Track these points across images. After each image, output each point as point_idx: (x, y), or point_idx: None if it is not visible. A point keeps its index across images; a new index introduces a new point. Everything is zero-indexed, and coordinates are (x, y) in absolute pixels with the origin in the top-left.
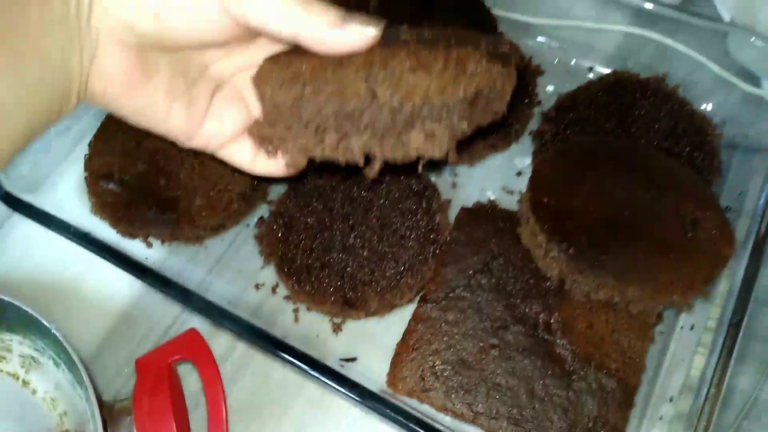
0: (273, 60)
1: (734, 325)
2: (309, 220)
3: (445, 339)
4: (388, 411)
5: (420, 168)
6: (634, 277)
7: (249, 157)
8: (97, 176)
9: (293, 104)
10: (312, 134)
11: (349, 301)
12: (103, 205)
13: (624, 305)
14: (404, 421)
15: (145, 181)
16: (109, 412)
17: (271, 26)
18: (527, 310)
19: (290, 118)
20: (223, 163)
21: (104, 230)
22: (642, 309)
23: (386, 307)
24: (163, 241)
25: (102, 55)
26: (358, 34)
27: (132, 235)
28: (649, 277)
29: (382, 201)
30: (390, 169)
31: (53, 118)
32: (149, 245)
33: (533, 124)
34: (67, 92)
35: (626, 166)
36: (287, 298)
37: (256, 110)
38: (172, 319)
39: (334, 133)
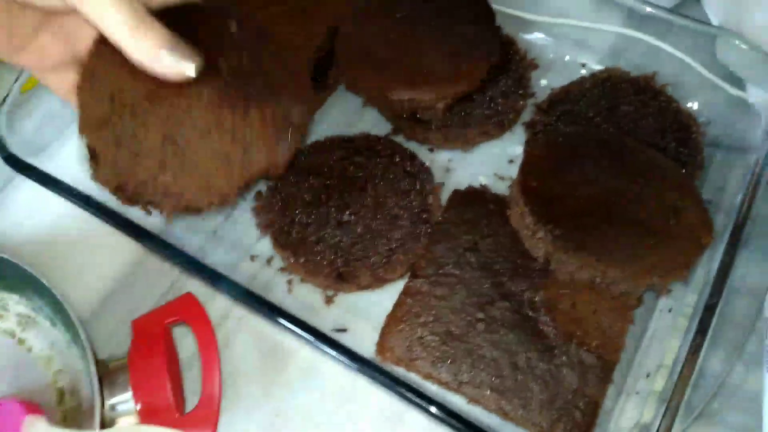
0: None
1: (709, 309)
2: (305, 196)
3: (433, 312)
4: (377, 375)
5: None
6: (616, 258)
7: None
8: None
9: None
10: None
11: (342, 274)
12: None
13: (606, 286)
14: (394, 386)
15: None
16: (104, 370)
17: (100, 28)
18: (513, 288)
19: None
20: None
21: (105, 195)
22: (623, 290)
23: (377, 281)
24: (161, 211)
25: None
26: (174, 67)
27: (131, 202)
28: (631, 259)
29: (377, 181)
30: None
31: None
32: (148, 213)
33: (526, 116)
34: None
35: (613, 155)
36: (282, 270)
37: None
38: (169, 284)
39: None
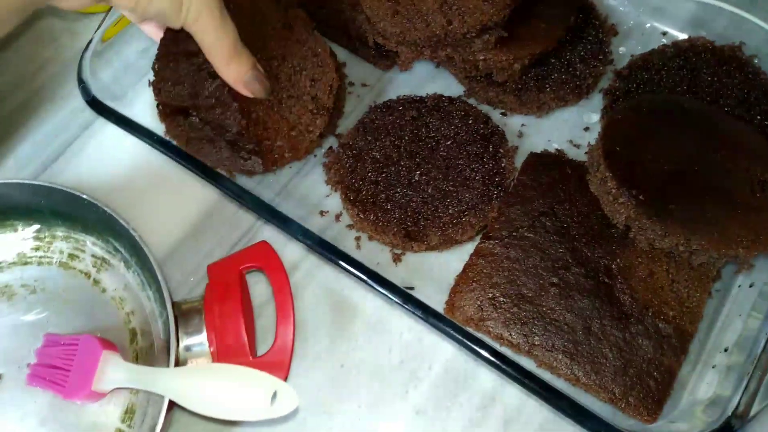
0: None
1: None
2: (376, 154)
3: (505, 274)
4: (450, 330)
5: None
6: (700, 227)
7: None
8: (168, 109)
9: None
10: None
11: (411, 233)
12: (177, 137)
13: (687, 256)
14: (467, 342)
15: (220, 117)
16: (178, 312)
17: (202, 46)
18: (590, 254)
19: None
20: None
21: None
22: (704, 261)
23: (446, 242)
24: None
25: None
26: (250, 88)
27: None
28: (716, 229)
29: (449, 142)
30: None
31: None
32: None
33: (604, 83)
34: None
35: (698, 125)
36: (350, 226)
37: None
38: (240, 234)
39: None
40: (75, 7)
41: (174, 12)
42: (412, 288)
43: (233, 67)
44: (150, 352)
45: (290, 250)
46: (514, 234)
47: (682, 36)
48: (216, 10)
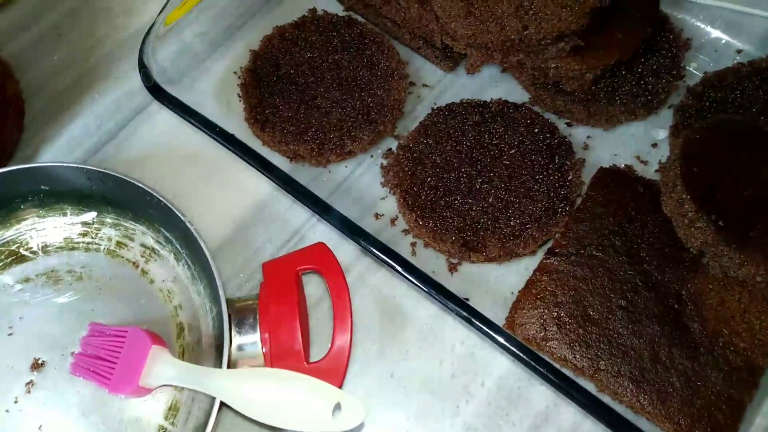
0: None
1: None
2: (437, 158)
3: (571, 293)
4: (512, 346)
5: None
6: None
7: None
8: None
9: None
10: None
11: (469, 243)
12: (255, 115)
13: (763, 286)
14: (528, 359)
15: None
16: (232, 309)
17: None
18: (660, 277)
19: None
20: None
21: (239, 134)
22: None
23: (506, 254)
24: (291, 159)
25: None
26: None
27: (270, 146)
28: None
29: (513, 151)
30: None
31: None
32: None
33: (674, 99)
34: None
35: None
36: (405, 231)
37: None
38: (292, 231)
39: None
40: None
41: None
42: (467, 300)
43: None
44: (197, 348)
45: (342, 251)
46: (581, 252)
47: (758, 54)
48: None
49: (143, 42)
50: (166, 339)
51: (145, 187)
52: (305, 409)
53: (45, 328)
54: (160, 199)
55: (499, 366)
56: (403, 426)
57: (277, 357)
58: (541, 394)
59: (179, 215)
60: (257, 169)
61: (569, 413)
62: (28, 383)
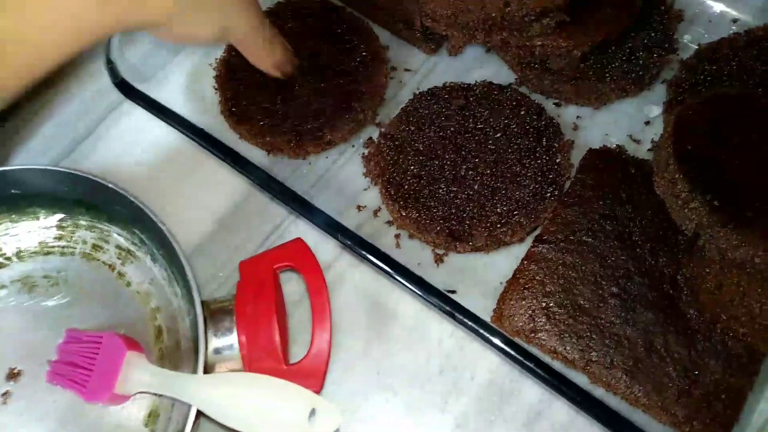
0: None
1: None
2: (420, 146)
3: (560, 282)
4: (498, 342)
5: None
6: None
7: None
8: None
9: None
10: None
11: (455, 233)
12: (231, 108)
13: (762, 268)
14: (515, 355)
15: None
16: (208, 311)
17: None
18: (653, 262)
19: None
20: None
21: (213, 126)
22: None
23: (493, 243)
24: (269, 151)
25: None
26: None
27: (246, 139)
28: None
29: (498, 135)
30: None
31: None
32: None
33: (668, 73)
34: None
35: None
36: (389, 223)
37: None
38: (272, 227)
39: None
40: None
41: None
42: (454, 291)
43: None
44: (176, 351)
45: (324, 247)
46: (570, 238)
47: (755, 23)
48: (257, 27)
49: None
50: (144, 343)
51: (116, 188)
52: (280, 414)
53: (21, 337)
54: (133, 200)
55: (489, 360)
56: (391, 424)
57: (255, 359)
58: (534, 387)
59: (152, 216)
60: (230, 165)
61: (563, 407)
62: (4, 394)
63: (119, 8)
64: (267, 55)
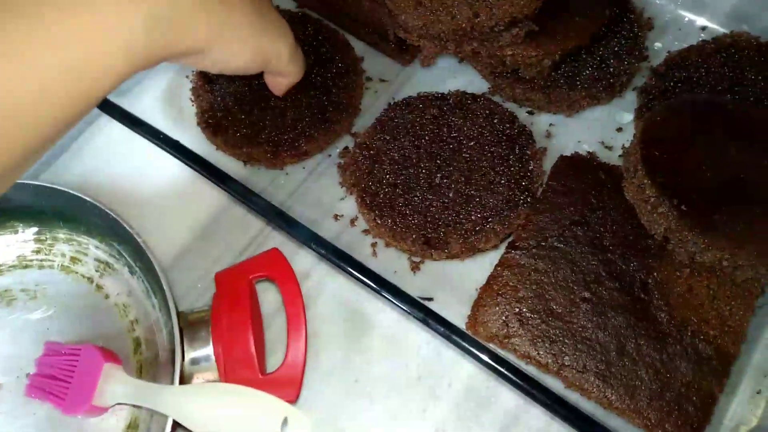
0: None
1: None
2: (395, 155)
3: (533, 288)
4: (471, 347)
5: None
6: (747, 241)
7: None
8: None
9: None
10: None
11: (431, 240)
12: (207, 119)
13: (730, 271)
14: (489, 361)
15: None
16: (184, 323)
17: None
18: (624, 266)
19: None
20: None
21: (190, 140)
22: (749, 277)
23: (468, 250)
24: (246, 162)
25: None
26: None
27: (223, 150)
28: (764, 243)
29: (472, 143)
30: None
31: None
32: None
33: (638, 80)
34: None
35: (743, 129)
36: (366, 232)
37: None
38: (249, 238)
39: None
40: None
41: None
42: (430, 299)
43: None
44: (155, 362)
45: (301, 257)
46: (542, 244)
47: (723, 31)
48: (293, 53)
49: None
50: (123, 355)
51: (93, 201)
52: (253, 424)
53: (0, 350)
54: (109, 212)
55: (466, 366)
56: None
57: (230, 370)
58: (510, 393)
59: (128, 229)
60: (206, 177)
61: (539, 413)
62: None
63: (165, 36)
64: (295, 78)
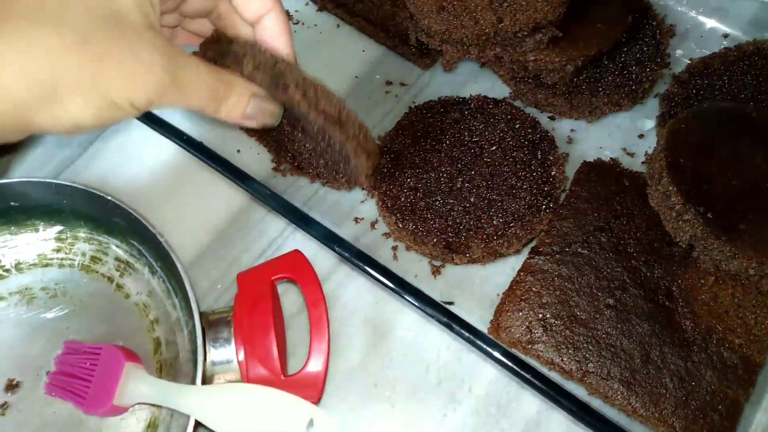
0: None
1: None
2: (416, 159)
3: (557, 293)
4: (494, 351)
5: None
6: None
7: None
8: None
9: None
10: None
11: (452, 245)
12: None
13: (756, 279)
14: (513, 366)
15: None
16: (206, 323)
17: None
18: (648, 274)
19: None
20: None
21: (211, 139)
22: None
23: (490, 255)
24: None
25: None
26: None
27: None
28: None
29: (494, 147)
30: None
31: None
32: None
33: (660, 87)
34: None
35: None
36: (386, 235)
37: None
38: (269, 240)
39: None
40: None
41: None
42: (451, 303)
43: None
44: (174, 363)
45: (321, 258)
46: (566, 250)
47: (745, 38)
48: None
49: None
50: (143, 355)
51: (115, 200)
52: (278, 425)
53: (19, 348)
54: (131, 212)
55: (487, 371)
56: None
57: (253, 371)
58: (532, 398)
59: (151, 229)
60: (229, 178)
61: (561, 419)
62: (2, 405)
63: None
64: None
